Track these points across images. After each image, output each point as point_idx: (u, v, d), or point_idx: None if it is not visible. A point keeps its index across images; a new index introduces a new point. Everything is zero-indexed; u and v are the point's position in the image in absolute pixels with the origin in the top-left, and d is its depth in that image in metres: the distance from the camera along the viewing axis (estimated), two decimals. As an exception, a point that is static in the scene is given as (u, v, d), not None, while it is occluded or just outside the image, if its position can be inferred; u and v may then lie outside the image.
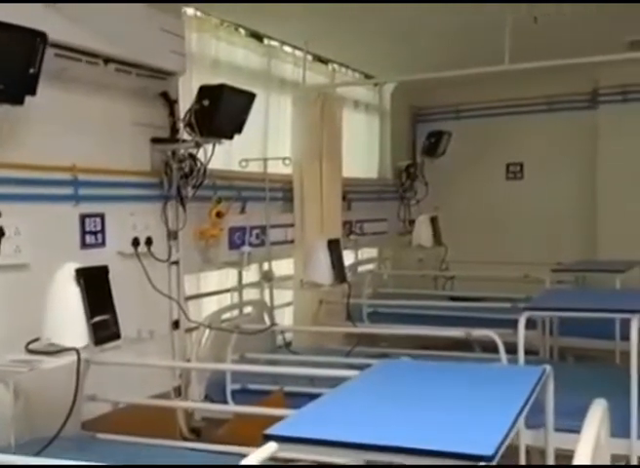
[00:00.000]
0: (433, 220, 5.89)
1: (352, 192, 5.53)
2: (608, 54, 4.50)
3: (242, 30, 4.41)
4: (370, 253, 6.25)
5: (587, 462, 1.28)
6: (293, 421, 1.52)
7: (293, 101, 4.61)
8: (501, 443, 1.32)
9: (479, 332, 3.13)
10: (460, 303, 5.11)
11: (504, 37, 3.99)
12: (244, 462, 1.34)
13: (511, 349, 2.99)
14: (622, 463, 2.82)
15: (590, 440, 1.39)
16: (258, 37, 4.56)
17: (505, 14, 3.94)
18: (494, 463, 1.25)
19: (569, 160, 6.16)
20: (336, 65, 5.50)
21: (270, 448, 1.39)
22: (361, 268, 5.75)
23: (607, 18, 4.26)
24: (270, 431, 1.42)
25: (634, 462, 2.77)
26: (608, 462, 1.83)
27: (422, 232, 5.80)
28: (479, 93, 6.25)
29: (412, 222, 6.23)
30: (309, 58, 5.02)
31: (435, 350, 4.22)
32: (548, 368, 1.97)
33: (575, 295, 3.89)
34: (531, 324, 4.22)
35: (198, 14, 3.98)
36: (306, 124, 4.54)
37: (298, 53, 4.87)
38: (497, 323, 3.88)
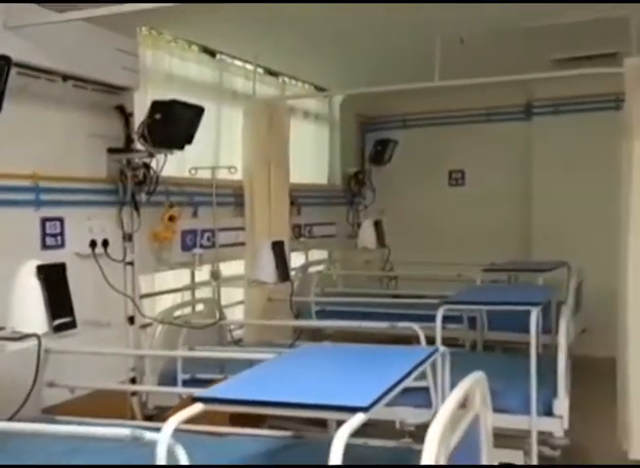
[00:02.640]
0: (377, 224, 6.27)
1: (302, 197, 5.87)
2: (535, 72, 4.94)
3: (195, 46, 4.72)
4: (322, 254, 6.60)
5: (441, 427, 1.58)
6: (216, 387, 1.86)
7: (243, 113, 4.91)
8: (378, 399, 1.66)
9: (403, 325, 3.45)
10: (396, 300, 5.46)
11: (435, 56, 4.36)
12: (172, 419, 1.67)
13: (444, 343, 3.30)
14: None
15: (451, 405, 1.71)
16: (210, 52, 4.87)
17: (435, 35, 4.32)
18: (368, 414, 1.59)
19: (507, 167, 6.60)
20: (286, 78, 5.84)
21: (196, 407, 1.72)
22: (312, 269, 6.09)
23: (531, 38, 4.67)
24: (196, 394, 1.76)
25: (534, 436, 3.15)
26: (489, 429, 2.15)
27: (367, 235, 6.17)
28: (424, 103, 6.65)
29: (360, 226, 6.59)
30: (260, 71, 5.35)
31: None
32: (442, 349, 2.32)
33: (490, 291, 4.27)
34: (459, 319, 4.65)
35: (153, 32, 4.28)
36: (256, 134, 4.85)
37: (248, 66, 5.19)
38: (432, 318, 4.25)
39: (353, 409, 1.59)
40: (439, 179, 6.89)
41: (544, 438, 3.26)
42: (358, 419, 1.57)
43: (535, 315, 3.14)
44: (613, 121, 5.19)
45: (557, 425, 3.18)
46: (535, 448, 3.13)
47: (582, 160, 6.04)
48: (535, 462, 3.14)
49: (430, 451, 1.51)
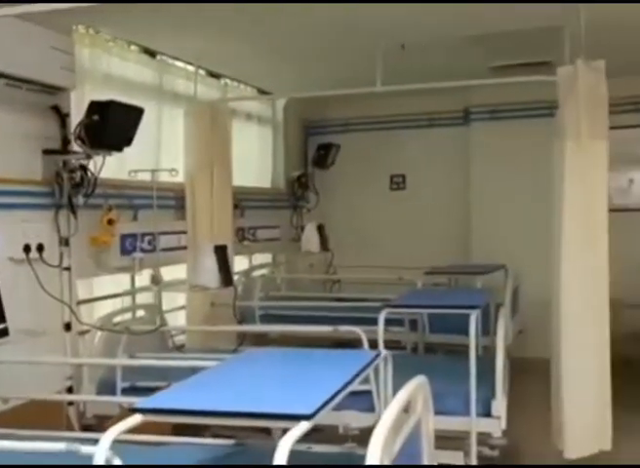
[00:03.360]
0: (320, 227, 6.29)
1: (246, 200, 5.83)
2: (474, 78, 5.05)
3: (134, 46, 4.62)
4: (265, 258, 6.57)
5: (385, 432, 1.58)
6: (156, 397, 1.81)
7: (185, 114, 4.85)
8: (322, 406, 1.65)
9: (345, 328, 3.47)
10: (340, 303, 5.49)
11: (377, 62, 4.39)
12: (110, 431, 1.62)
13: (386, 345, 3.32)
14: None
15: (394, 411, 1.72)
16: (150, 53, 4.78)
17: (377, 41, 4.36)
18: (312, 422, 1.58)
19: (446, 172, 6.71)
20: (228, 80, 5.79)
21: (135, 418, 1.68)
22: (255, 273, 6.05)
23: (470, 46, 4.77)
24: (136, 405, 1.71)
25: (474, 437, 3.21)
26: (430, 432, 2.18)
27: (310, 238, 6.19)
28: (366, 108, 6.71)
29: (303, 229, 6.60)
30: (201, 72, 5.29)
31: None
32: (384, 353, 2.33)
33: (431, 295, 4.34)
34: (401, 322, 4.70)
35: (90, 31, 4.17)
36: (197, 136, 4.79)
37: (190, 67, 5.12)
38: (375, 321, 4.28)
39: (297, 418, 1.58)
40: (381, 183, 6.96)
41: (483, 438, 3.32)
42: (302, 428, 1.56)
43: (474, 318, 3.19)
44: (547, 127, 5.35)
45: (496, 426, 3.25)
46: (474, 449, 3.19)
47: (519, 165, 6.20)
48: (474, 463, 3.19)
49: (374, 457, 1.52)
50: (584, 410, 3.51)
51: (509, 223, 6.24)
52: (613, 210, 3.56)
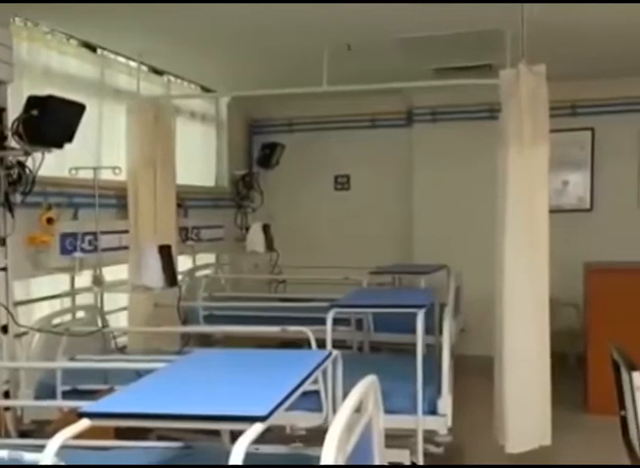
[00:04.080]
0: (266, 227, 6.26)
1: (190, 199, 5.75)
2: (417, 80, 5.11)
3: (73, 40, 4.49)
4: (210, 258, 6.49)
5: (339, 433, 1.58)
6: (104, 401, 1.75)
7: (127, 111, 4.74)
8: (276, 407, 1.63)
9: (293, 329, 3.45)
10: (286, 304, 5.47)
11: (323, 61, 4.40)
12: (57, 436, 1.56)
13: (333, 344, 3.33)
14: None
15: (347, 411, 1.72)
16: (90, 47, 4.66)
17: (323, 41, 4.36)
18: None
19: (390, 173, 6.78)
20: (171, 77, 5.69)
21: (82, 423, 1.62)
22: (199, 273, 5.97)
23: (413, 48, 4.83)
24: (82, 409, 1.65)
25: (420, 435, 3.24)
26: (381, 431, 2.18)
27: (255, 238, 6.15)
28: (311, 108, 6.72)
29: (248, 229, 6.56)
30: (144, 68, 5.19)
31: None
32: (335, 352, 2.33)
33: (377, 294, 4.37)
34: (347, 321, 4.71)
35: (28, 23, 4.03)
36: (140, 133, 4.68)
37: (132, 63, 5.01)
38: (321, 321, 4.28)
39: (251, 419, 1.56)
40: (325, 184, 6.97)
41: (429, 436, 3.36)
42: (257, 429, 1.54)
43: (421, 317, 3.23)
44: (488, 129, 5.47)
45: (442, 424, 3.29)
46: (421, 447, 3.22)
47: (461, 166, 6.32)
48: (421, 461, 3.23)
49: (329, 457, 1.51)
50: (526, 407, 3.60)
51: (451, 224, 6.36)
52: (549, 211, 3.66)
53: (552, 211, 3.66)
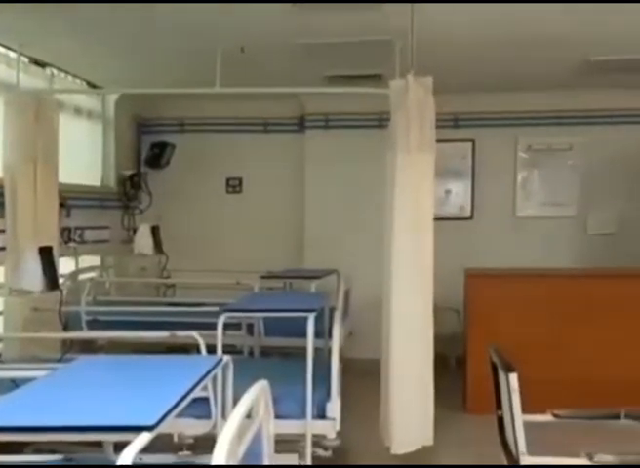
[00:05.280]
0: (154, 229, 6.10)
1: (73, 199, 5.50)
2: (309, 86, 5.17)
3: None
4: (94, 261, 6.23)
5: (229, 440, 1.55)
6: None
7: (5, 104, 4.47)
8: (164, 415, 1.59)
9: (183, 334, 3.38)
10: (175, 308, 5.36)
11: (216, 62, 4.34)
12: None
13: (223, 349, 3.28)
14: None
15: (237, 418, 1.70)
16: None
17: (217, 41, 4.31)
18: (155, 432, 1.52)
19: (282, 177, 6.80)
20: (55, 70, 5.43)
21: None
22: (83, 276, 5.72)
23: (307, 54, 4.87)
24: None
25: (309, 439, 3.26)
26: (271, 436, 2.18)
27: (143, 241, 5.97)
28: (203, 109, 6.63)
29: (135, 231, 6.36)
30: (24, 59, 4.92)
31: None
32: (225, 358, 2.30)
33: (268, 298, 4.37)
34: (238, 326, 4.68)
35: None
36: (19, 128, 4.43)
37: (12, 54, 4.74)
38: (211, 326, 4.22)
39: (138, 429, 1.50)
40: (217, 186, 6.89)
41: (317, 439, 3.39)
42: (144, 439, 1.49)
43: (312, 321, 3.25)
44: (377, 137, 5.63)
45: (330, 427, 3.32)
46: (309, 451, 3.24)
47: (351, 173, 6.44)
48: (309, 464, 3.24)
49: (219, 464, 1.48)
50: (410, 408, 3.71)
51: (342, 229, 6.46)
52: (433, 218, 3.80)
53: (435, 218, 3.79)
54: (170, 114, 6.81)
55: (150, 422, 1.52)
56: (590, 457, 2.26)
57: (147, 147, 6.66)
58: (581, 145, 6.31)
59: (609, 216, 6.33)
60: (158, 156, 6.52)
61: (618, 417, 2.57)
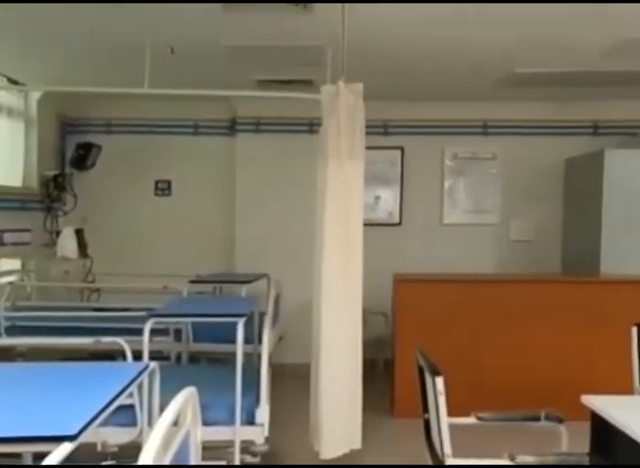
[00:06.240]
0: (79, 232, 5.93)
1: (-8, 200, 5.29)
2: (240, 90, 5.14)
3: None
4: (14, 264, 5.99)
5: (155, 449, 1.51)
6: None
7: None
8: (86, 425, 1.54)
9: (108, 340, 3.29)
10: (100, 314, 5.22)
11: (145, 62, 4.26)
12: None
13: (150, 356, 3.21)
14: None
15: (163, 425, 1.66)
16: None
17: (145, 42, 4.23)
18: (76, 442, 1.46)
19: (213, 180, 6.72)
20: (-27, 65, 5.21)
21: None
22: (1, 280, 5.50)
23: (238, 57, 4.84)
24: None
25: (238, 445, 3.23)
26: (198, 444, 2.14)
27: (67, 244, 5.79)
28: (131, 110, 6.50)
29: (59, 234, 6.16)
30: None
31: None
32: (152, 364, 2.25)
33: (197, 303, 4.31)
34: (165, 331, 4.60)
35: None
36: None
37: None
38: (138, 332, 4.12)
39: (59, 439, 1.45)
40: (145, 188, 6.75)
41: (246, 446, 3.37)
42: (65, 450, 1.44)
43: (241, 326, 3.23)
44: (308, 143, 5.66)
45: (259, 433, 3.30)
46: (238, 458, 3.21)
47: (282, 177, 6.43)
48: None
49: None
50: (338, 413, 3.73)
51: (272, 233, 6.45)
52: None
53: (365, 224, 3.84)
54: (97, 114, 6.64)
55: (71, 432, 1.47)
56: (512, 458, 2.33)
57: (72, 148, 6.46)
58: (505, 155, 6.53)
59: (529, 224, 6.57)
60: (84, 157, 6.33)
61: (538, 419, 2.66)
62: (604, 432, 2.38)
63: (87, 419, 1.55)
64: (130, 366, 2.52)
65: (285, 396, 4.85)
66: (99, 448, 3.06)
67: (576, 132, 6.44)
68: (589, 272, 5.72)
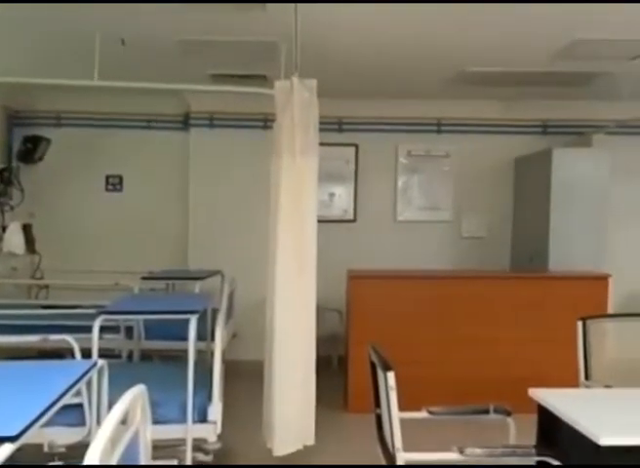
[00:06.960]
0: (26, 228, 5.78)
1: None
2: (194, 84, 5.07)
3: None
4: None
5: (101, 448, 1.48)
6: None
7: None
8: (28, 426, 1.50)
9: (56, 337, 3.21)
10: (48, 311, 5.10)
11: (95, 53, 4.17)
12: None
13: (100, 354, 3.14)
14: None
15: (110, 424, 1.62)
16: None
17: (94, 31, 4.13)
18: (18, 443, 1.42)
19: (166, 176, 6.63)
20: None
21: None
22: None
23: (191, 51, 4.78)
24: None
25: (190, 443, 3.20)
26: (148, 442, 2.11)
27: (14, 239, 5.64)
28: (81, 103, 6.37)
29: (5, 229, 6.00)
30: None
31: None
32: (101, 362, 2.21)
33: (149, 300, 4.25)
34: (116, 329, 4.52)
35: None
36: None
37: None
38: (87, 329, 4.03)
39: (2, 439, 1.40)
40: (96, 183, 6.61)
41: (198, 443, 3.33)
42: (5, 451, 1.40)
43: (194, 323, 3.19)
44: (262, 138, 5.63)
45: (211, 431, 3.28)
46: (189, 456, 3.18)
47: (236, 173, 6.39)
48: (189, 469, 3.18)
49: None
50: (292, 409, 3.72)
51: (226, 229, 6.40)
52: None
53: (319, 221, 3.83)
54: (45, 107, 6.47)
55: (12, 433, 1.43)
56: (461, 451, 2.36)
57: (20, 141, 6.29)
58: (457, 153, 6.61)
59: (480, 221, 6.67)
60: (31, 150, 6.18)
61: (487, 412, 2.70)
62: (550, 424, 2.44)
63: (29, 419, 1.51)
64: (77, 363, 2.47)
65: (239, 393, 4.83)
66: (45, 448, 2.99)
67: (525, 131, 6.56)
68: (538, 268, 5.85)
